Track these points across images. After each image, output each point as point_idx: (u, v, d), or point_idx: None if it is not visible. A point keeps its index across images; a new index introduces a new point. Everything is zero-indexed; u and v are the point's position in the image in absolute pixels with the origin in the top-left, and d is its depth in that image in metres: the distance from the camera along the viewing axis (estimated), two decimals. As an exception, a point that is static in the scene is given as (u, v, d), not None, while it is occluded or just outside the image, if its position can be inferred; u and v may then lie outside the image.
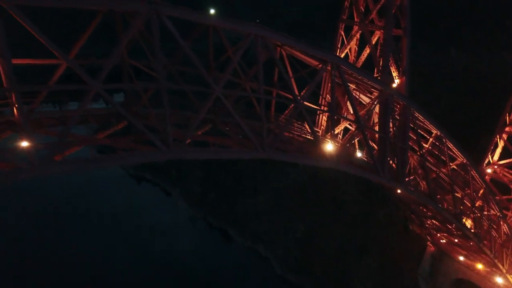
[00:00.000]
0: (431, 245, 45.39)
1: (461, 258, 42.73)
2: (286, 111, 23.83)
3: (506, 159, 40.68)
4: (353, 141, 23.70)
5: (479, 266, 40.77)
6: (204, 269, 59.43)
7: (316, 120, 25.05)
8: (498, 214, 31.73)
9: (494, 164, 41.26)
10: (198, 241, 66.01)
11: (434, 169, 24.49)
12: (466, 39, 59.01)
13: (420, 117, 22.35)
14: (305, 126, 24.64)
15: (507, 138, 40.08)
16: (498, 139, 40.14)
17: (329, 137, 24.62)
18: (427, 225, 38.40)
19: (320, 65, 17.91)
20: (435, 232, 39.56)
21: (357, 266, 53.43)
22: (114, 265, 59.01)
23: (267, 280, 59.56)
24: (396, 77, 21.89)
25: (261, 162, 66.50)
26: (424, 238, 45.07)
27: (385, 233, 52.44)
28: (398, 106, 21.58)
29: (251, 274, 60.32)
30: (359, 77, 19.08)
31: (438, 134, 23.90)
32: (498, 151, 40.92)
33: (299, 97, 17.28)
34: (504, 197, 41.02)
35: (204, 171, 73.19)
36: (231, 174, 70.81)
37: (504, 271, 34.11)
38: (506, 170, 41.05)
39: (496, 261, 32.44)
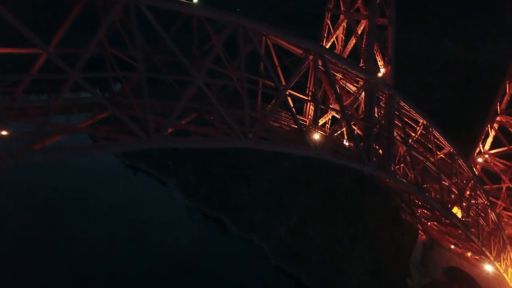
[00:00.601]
0: (422, 234, 45.87)
1: (452, 246, 43.28)
2: (273, 101, 23.97)
3: (497, 148, 40.86)
4: (340, 131, 23.92)
5: (469, 254, 41.35)
6: (198, 259, 60.03)
7: (304, 110, 25.18)
8: (485, 202, 32.07)
9: (485, 153, 41.46)
10: (193, 231, 66.61)
11: (421, 158, 24.68)
12: (460, 30, 58.91)
13: (406, 107, 22.48)
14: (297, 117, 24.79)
15: (498, 128, 40.26)
16: (489, 129, 40.30)
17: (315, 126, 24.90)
18: (417, 214, 38.76)
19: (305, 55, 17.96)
20: (425, 221, 39.96)
21: (350, 254, 54.02)
22: (112, 254, 59.55)
23: (261, 269, 60.24)
24: (382, 67, 21.96)
25: (256, 153, 66.70)
26: (415, 227, 45.54)
27: (378, 222, 52.91)
28: (384, 95, 21.70)
29: (245, 263, 60.98)
30: (343, 67, 19.16)
31: (425, 123, 24.06)
32: (489, 140, 41.10)
33: (281, 87, 17.35)
34: (494, 186, 41.40)
35: (199, 161, 73.46)
36: (226, 165, 71.11)
37: (492, 258, 34.58)
38: (497, 159, 41.28)
39: (483, 249, 32.86)
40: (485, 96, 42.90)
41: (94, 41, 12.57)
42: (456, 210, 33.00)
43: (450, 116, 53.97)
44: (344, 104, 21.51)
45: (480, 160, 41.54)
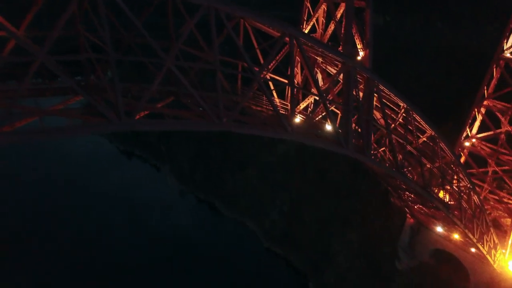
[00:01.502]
0: (410, 217, 46.44)
1: (438, 229, 43.91)
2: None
3: (485, 132, 41.07)
4: (322, 114, 24.06)
5: (455, 236, 42.01)
6: (192, 243, 60.87)
7: (286, 94, 25.28)
8: (468, 185, 32.46)
9: (472, 137, 41.74)
10: (187, 215, 67.35)
11: (401, 141, 24.90)
12: (453, 12, 58.42)
13: (385, 90, 22.60)
14: (274, 100, 24.89)
15: (485, 111, 40.43)
16: (476, 113, 40.47)
17: (297, 110, 25.06)
18: (404, 198, 39.18)
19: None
20: (412, 204, 40.44)
21: (340, 237, 54.84)
22: (109, 238, 60.28)
23: (253, 253, 61.21)
24: (360, 50, 21.99)
25: (249, 138, 66.98)
26: (403, 210, 46.08)
27: (367, 205, 53.54)
28: (363, 78, 21.78)
29: (239, 247, 61.90)
30: (320, 50, 19.20)
31: (405, 106, 24.21)
32: (477, 124, 41.33)
33: (257, 70, 17.43)
34: (480, 170, 41.81)
35: (193, 146, 73.73)
36: (220, 149, 71.41)
37: (475, 240, 35.15)
38: (484, 143, 41.59)
39: (466, 231, 33.39)
40: (476, 80, 42.82)
41: (61, 22, 12.60)
42: (442, 195, 33.49)
43: (442, 100, 54.09)
44: (323, 87, 21.67)
45: (467, 144, 41.87)
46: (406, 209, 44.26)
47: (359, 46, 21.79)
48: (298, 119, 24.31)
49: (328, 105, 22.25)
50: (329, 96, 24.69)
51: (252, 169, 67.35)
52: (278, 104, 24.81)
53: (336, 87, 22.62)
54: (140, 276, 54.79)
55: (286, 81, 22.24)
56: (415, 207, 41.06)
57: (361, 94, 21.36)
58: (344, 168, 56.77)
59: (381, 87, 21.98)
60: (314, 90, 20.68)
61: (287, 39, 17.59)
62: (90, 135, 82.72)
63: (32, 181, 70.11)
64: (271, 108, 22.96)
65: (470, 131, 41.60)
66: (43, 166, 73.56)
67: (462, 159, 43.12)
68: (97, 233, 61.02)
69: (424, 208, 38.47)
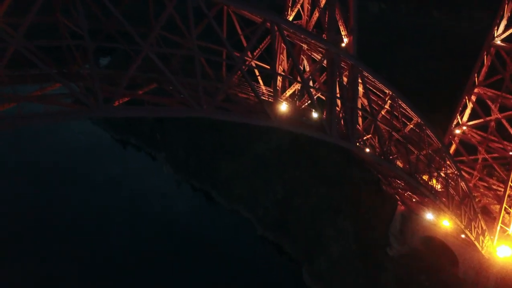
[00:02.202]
0: (401, 204, 46.89)
1: (429, 216, 44.34)
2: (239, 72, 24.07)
3: (476, 120, 41.16)
4: (308, 102, 24.16)
5: (444, 223, 42.46)
6: (188, 231, 61.33)
7: (276, 82, 25.30)
8: (455, 172, 32.72)
9: (463, 125, 41.92)
10: (182, 203, 67.73)
11: (387, 128, 25.04)
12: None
13: (370, 77, 22.66)
14: (260, 87, 24.97)
15: (476, 99, 40.51)
16: (467, 100, 40.56)
17: (283, 97, 25.14)
18: (394, 185, 39.50)
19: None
20: (402, 192, 40.79)
21: (332, 225, 55.31)
22: (106, 228, 60.64)
23: (247, 240, 61.76)
24: (345, 36, 21.98)
25: (243, 126, 67.08)
26: (394, 197, 46.48)
27: (359, 193, 53.93)
28: (347, 65, 21.83)
29: (233, 234, 62.41)
30: (302, 36, 19.20)
31: (390, 93, 24.29)
32: (467, 112, 41.45)
33: (238, 57, 17.48)
34: (470, 157, 42.09)
35: (188, 135, 73.84)
36: (215, 138, 71.57)
37: (463, 226, 35.60)
38: (475, 131, 41.78)
39: (454, 217, 33.80)
40: (470, 67, 42.75)
41: (35, 7, 12.60)
42: (434, 183, 33.82)
43: (436, 87, 54.14)
44: (308, 74, 21.72)
45: (458, 131, 42.08)
46: (397, 197, 44.67)
47: (343, 33, 21.77)
48: (284, 106, 24.45)
49: (314, 92, 22.40)
50: (316, 84, 24.83)
51: (246, 157, 67.60)
52: (265, 91, 24.91)
53: (323, 75, 22.69)
54: (136, 265, 55.22)
55: (268, 67, 22.30)
56: (405, 194, 41.44)
57: (346, 81, 21.41)
58: (337, 156, 57.04)
59: (366, 74, 22.01)
60: (298, 77, 20.71)
61: (268, 25, 17.60)
62: (86, 125, 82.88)
63: (27, 171, 70.28)
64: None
65: (461, 119, 41.75)
66: (37, 157, 73.68)
67: (453, 147, 43.43)
68: (94, 223, 61.37)
69: (413, 195, 38.84)
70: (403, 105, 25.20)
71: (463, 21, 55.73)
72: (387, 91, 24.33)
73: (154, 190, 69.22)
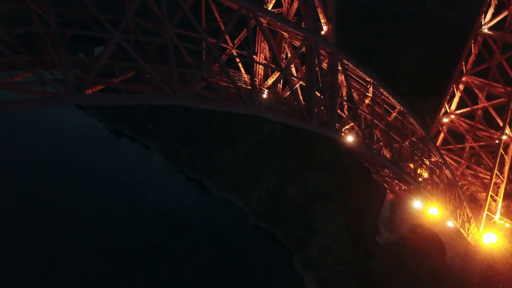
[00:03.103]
0: (390, 192, 47.25)
1: (417, 204, 44.73)
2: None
3: (465, 108, 41.26)
4: (290, 90, 24.20)
5: (432, 211, 42.81)
6: (181, 221, 61.69)
7: (254, 69, 25.29)
8: (439, 160, 32.94)
9: (451, 113, 42.05)
10: (175, 193, 68.02)
11: (369, 117, 25.15)
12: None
13: (350, 65, 22.68)
14: (242, 75, 25.00)
15: (464, 88, 40.58)
16: (455, 89, 40.63)
17: (265, 85, 25.18)
18: (382, 173, 39.75)
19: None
20: (389, 180, 41.07)
21: (324, 212, 55.82)
22: (101, 218, 60.89)
23: (240, 229, 62.26)
24: (324, 24, 21.94)
25: (237, 116, 67.18)
26: (383, 186, 46.81)
27: (350, 180, 54.30)
28: (327, 53, 21.84)
29: (226, 224, 62.87)
30: (278, 24, 19.17)
31: (372, 81, 24.34)
32: (456, 101, 41.56)
33: (213, 43, 17.48)
34: (458, 146, 42.31)
35: (181, 124, 73.87)
36: (207, 127, 71.66)
37: (448, 214, 35.97)
38: (462, 119, 41.93)
39: (438, 205, 34.11)
40: (460, 55, 42.65)
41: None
42: (424, 172, 34.10)
43: (427, 76, 54.06)
44: (286, 62, 21.73)
45: (445, 120, 42.22)
46: (385, 185, 44.99)
47: (322, 21, 21.72)
48: (265, 95, 24.53)
49: (296, 80, 22.45)
50: (299, 74, 24.84)
51: (239, 146, 67.77)
52: (247, 80, 24.96)
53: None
54: (131, 254, 55.59)
55: (245, 53, 22.30)
56: (393, 182, 41.74)
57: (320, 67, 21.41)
58: (329, 145, 57.14)
59: (346, 62, 22.04)
60: (277, 65, 20.69)
61: (244, 11, 17.56)
62: (79, 116, 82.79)
63: (19, 162, 70.30)
64: (240, 83, 23.15)
65: (449, 107, 41.87)
66: (30, 147, 73.68)
67: (441, 136, 43.63)
68: (85, 212, 61.64)
69: (400, 184, 39.13)
70: (385, 93, 25.26)
71: (455, 9, 55.35)
72: (368, 79, 24.36)
73: (146, 180, 69.45)
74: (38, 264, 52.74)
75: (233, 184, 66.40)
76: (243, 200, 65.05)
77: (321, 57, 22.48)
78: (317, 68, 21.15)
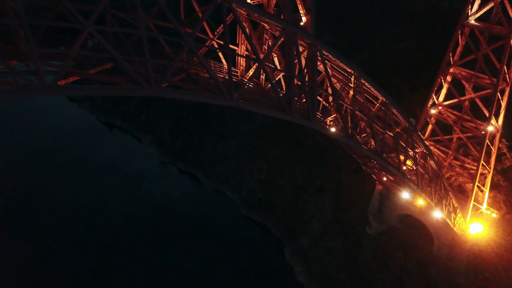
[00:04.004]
0: (378, 183, 47.56)
1: (405, 195, 45.09)
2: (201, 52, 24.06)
3: (453, 99, 41.36)
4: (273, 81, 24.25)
5: (420, 202, 43.25)
6: (175, 213, 61.98)
7: (236, 61, 25.38)
8: (424, 151, 33.16)
9: (439, 104, 42.18)
10: (167, 185, 68.16)
11: (350, 107, 25.27)
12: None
13: (330, 56, 22.75)
14: (223, 66, 25.02)
15: (452, 79, 40.66)
16: (442, 80, 40.72)
17: (247, 77, 25.22)
18: (370, 165, 40.00)
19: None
20: (377, 171, 41.33)
21: (314, 203, 56.22)
22: (96, 210, 61.09)
23: (232, 220, 62.64)
24: (303, 15, 21.95)
25: (229, 108, 67.05)
26: (372, 177, 47.11)
27: (340, 172, 54.57)
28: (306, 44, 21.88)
29: (218, 215, 63.20)
30: (255, 15, 19.19)
31: (352, 72, 24.42)
32: (443, 92, 41.66)
33: (188, 36, 17.51)
34: (446, 137, 42.53)
35: (174, 117, 73.83)
36: (200, 120, 71.68)
37: (433, 204, 36.32)
38: (450, 110, 42.09)
39: (423, 195, 34.45)
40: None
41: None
42: (403, 160, 34.29)
43: (417, 67, 54.05)
44: (263, 54, 21.78)
45: (433, 111, 42.35)
46: (374, 176, 45.27)
47: (301, 12, 21.74)
48: (247, 86, 24.56)
49: (276, 72, 22.51)
50: (281, 65, 24.90)
51: (232, 139, 67.90)
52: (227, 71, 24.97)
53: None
54: (125, 246, 55.89)
55: (220, 41, 22.32)
56: (381, 173, 42.00)
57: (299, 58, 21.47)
58: (319, 137, 57.35)
59: (325, 53, 22.10)
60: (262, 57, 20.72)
61: (219, 0, 17.57)
62: (71, 108, 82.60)
63: (11, 154, 70.27)
64: (221, 74, 23.21)
65: (437, 98, 41.98)
66: (22, 140, 73.63)
67: (429, 127, 43.85)
68: (82, 206, 61.76)
69: (386, 175, 39.39)
70: (367, 84, 25.36)
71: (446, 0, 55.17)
72: (349, 70, 24.44)
73: (139, 173, 69.59)
74: (33, 255, 53.06)
75: (225, 176, 66.68)
76: (235, 192, 65.38)
77: (302, 48, 22.57)
78: (297, 60, 21.21)
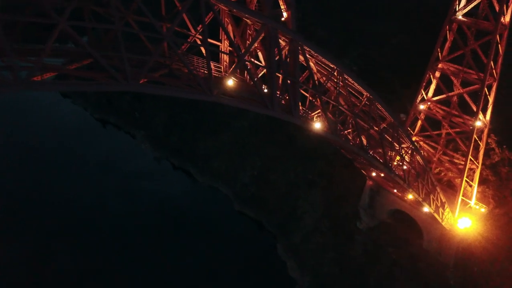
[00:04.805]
0: (369, 179, 47.79)
1: (395, 190, 45.39)
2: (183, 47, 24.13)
3: (442, 95, 41.50)
4: (257, 76, 24.35)
5: (410, 197, 43.49)
6: (169, 209, 62.05)
7: (220, 56, 25.45)
8: (409, 146, 33.32)
9: (428, 100, 42.35)
10: (162, 182, 68.20)
11: (333, 103, 25.36)
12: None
13: (312, 52, 22.81)
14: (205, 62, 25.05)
15: (441, 74, 40.80)
16: (431, 76, 40.85)
17: (229, 72, 25.26)
18: (359, 160, 40.15)
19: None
20: (366, 167, 41.52)
21: (306, 199, 56.45)
22: (90, 207, 61.09)
23: (226, 216, 62.83)
24: (283, 10, 22.00)
25: (222, 106, 67.03)
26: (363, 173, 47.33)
27: (332, 168, 54.78)
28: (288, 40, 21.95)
29: (212, 211, 63.36)
30: (234, 10, 19.24)
31: (335, 68, 24.49)
32: (432, 87, 41.80)
33: (167, 31, 17.58)
34: (435, 132, 42.73)
35: (167, 113, 73.82)
36: (193, 116, 71.66)
37: (421, 199, 36.55)
38: (439, 106, 42.25)
39: (410, 190, 34.66)
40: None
41: None
42: (391, 156, 34.42)
43: (409, 63, 54.16)
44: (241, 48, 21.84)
45: (422, 107, 42.52)
46: (364, 172, 45.48)
47: (282, 7, 21.80)
48: (231, 81, 24.64)
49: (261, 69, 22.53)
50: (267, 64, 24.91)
51: (225, 135, 68.00)
52: (212, 67, 25.03)
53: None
54: (123, 245, 55.90)
55: (212, 41, 22.38)
56: (370, 169, 42.20)
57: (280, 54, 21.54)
58: (311, 132, 57.42)
59: (307, 48, 22.17)
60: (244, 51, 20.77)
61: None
62: (65, 104, 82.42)
63: (7, 150, 70.23)
64: (204, 70, 23.24)
65: (426, 94, 42.14)
66: (14, 138, 73.50)
67: (419, 122, 44.03)
68: (77, 202, 61.75)
69: (375, 170, 39.58)
70: (350, 79, 25.45)
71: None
72: (332, 66, 24.52)
73: (133, 169, 69.59)
74: (31, 253, 53.10)
75: (219, 172, 66.79)
76: (229, 187, 65.52)
77: (284, 44, 22.66)
78: (278, 56, 21.29)
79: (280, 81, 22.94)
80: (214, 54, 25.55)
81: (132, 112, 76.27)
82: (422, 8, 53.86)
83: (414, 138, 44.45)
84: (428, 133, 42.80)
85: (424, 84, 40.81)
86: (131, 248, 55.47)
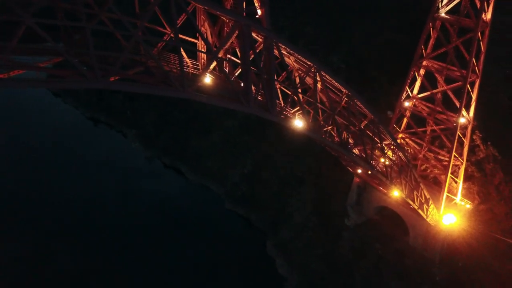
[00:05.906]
0: (356, 176, 48.05)
1: (381, 187, 45.63)
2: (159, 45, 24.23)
3: (427, 92, 41.74)
4: (236, 73, 24.52)
5: (395, 194, 43.72)
6: (160, 208, 62.11)
7: (197, 55, 25.56)
8: (391, 143, 33.53)
9: (413, 97, 42.59)
10: (153, 180, 68.20)
11: (311, 100, 25.53)
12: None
13: (287, 49, 22.97)
14: (184, 59, 25.19)
15: (425, 71, 41.04)
16: (416, 73, 41.09)
17: (202, 69, 25.40)
18: (344, 157, 40.34)
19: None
20: (353, 164, 41.70)
21: (296, 196, 56.69)
22: (83, 206, 61.03)
23: (217, 214, 62.96)
24: (258, 7, 22.12)
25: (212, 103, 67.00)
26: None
27: (321, 165, 55.01)
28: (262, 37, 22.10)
29: (203, 209, 63.47)
30: (206, 8, 19.36)
31: (312, 65, 24.64)
32: (417, 84, 42.05)
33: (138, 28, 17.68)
34: (420, 129, 43.00)
35: (158, 111, 73.87)
36: (185, 115, 71.74)
37: (404, 196, 36.81)
38: (424, 103, 42.51)
39: (393, 186, 34.89)
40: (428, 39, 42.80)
41: None
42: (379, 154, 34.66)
43: (395, 60, 54.36)
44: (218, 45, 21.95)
45: (407, 104, 42.76)
46: (350, 169, 45.70)
47: (256, 5, 21.92)
48: (208, 79, 24.78)
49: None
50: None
51: (216, 133, 68.15)
52: (190, 64, 25.19)
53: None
54: (122, 244, 55.85)
55: (190, 39, 22.50)
56: (356, 166, 42.40)
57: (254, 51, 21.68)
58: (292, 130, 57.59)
59: (282, 45, 22.31)
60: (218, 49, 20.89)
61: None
62: (56, 103, 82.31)
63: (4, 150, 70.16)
64: (179, 67, 23.32)
65: (411, 91, 42.38)
66: (8, 135, 73.40)
67: (405, 119, 44.29)
68: (69, 202, 61.70)
69: (362, 168, 39.77)
70: (327, 76, 25.62)
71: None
72: (309, 63, 24.67)
73: (124, 168, 69.59)
74: (31, 253, 52.99)
75: (210, 170, 66.92)
76: (220, 186, 65.68)
77: (260, 41, 22.81)
78: (252, 54, 21.43)
79: (255, 78, 23.12)
80: (193, 52, 25.79)
81: (124, 111, 76.27)
82: (408, 6, 54.05)
83: (400, 135, 44.79)
84: (414, 130, 43.07)
85: (408, 81, 41.04)
86: (131, 248, 55.39)
